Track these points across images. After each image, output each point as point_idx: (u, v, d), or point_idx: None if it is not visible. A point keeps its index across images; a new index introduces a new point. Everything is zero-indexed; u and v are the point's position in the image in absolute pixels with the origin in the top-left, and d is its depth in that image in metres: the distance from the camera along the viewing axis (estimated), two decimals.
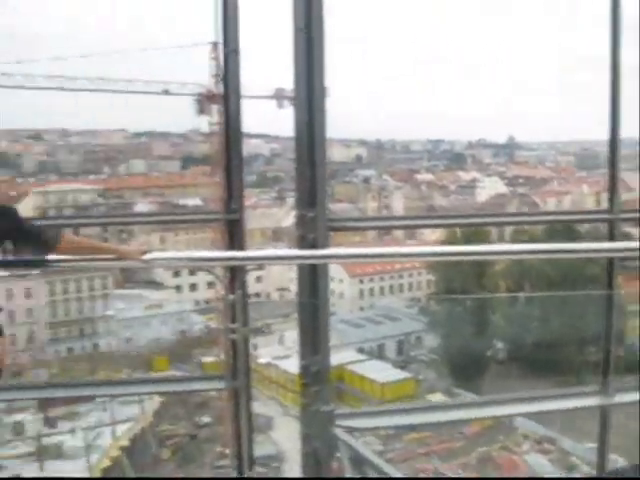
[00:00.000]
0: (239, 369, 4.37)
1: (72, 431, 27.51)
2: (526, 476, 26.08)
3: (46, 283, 34.91)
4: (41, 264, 3.08)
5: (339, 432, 4.89)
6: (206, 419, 29.12)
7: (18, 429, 27.64)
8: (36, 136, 50.55)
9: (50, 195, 42.34)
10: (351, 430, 4.98)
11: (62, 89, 37.35)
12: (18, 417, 27.41)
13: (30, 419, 27.84)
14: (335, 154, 49.43)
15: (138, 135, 52.02)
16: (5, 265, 3.05)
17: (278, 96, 36.68)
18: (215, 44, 5.17)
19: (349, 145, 57.39)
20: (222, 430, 24.60)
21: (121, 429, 27.98)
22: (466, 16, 60.00)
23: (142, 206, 42.55)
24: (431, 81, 62.29)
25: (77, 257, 3.13)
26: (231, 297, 3.73)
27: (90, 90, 37.40)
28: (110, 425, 27.76)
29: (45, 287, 35.85)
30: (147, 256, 3.20)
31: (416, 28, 60.56)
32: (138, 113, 48.35)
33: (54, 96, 39.37)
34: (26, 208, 37.87)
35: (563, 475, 26.04)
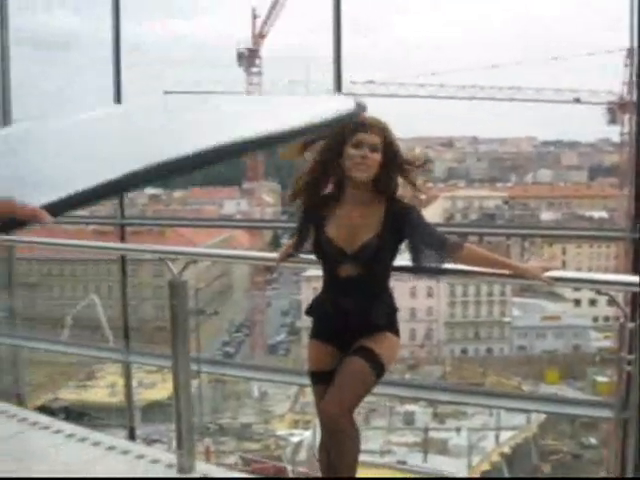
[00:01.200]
0: (631, 401, 3.99)
1: (458, 430, 28.11)
2: None
3: (447, 284, 35.91)
4: (440, 272, 3.09)
5: None
6: (592, 440, 27.78)
7: (408, 419, 29.00)
8: (448, 143, 52.40)
9: (457, 200, 43.60)
10: None
11: (473, 98, 38.37)
12: (410, 408, 28.77)
13: (420, 411, 29.06)
14: None
15: (546, 144, 51.26)
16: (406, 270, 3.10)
17: None
18: (630, 50, 4.77)
19: None
20: (608, 454, 23.28)
21: (505, 436, 27.91)
22: None
23: (547, 215, 41.95)
24: None
25: (474, 269, 3.14)
26: (630, 325, 3.39)
27: (500, 99, 37.86)
28: (494, 430, 27.84)
29: (446, 288, 36.98)
30: (548, 274, 3.08)
31: None
32: (547, 122, 47.62)
33: (466, 105, 40.50)
34: (435, 212, 39.57)
35: None
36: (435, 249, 2.96)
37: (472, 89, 38.45)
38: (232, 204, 41.61)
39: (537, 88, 37.90)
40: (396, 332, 3.06)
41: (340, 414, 2.84)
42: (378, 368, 2.95)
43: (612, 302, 3.90)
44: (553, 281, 3.16)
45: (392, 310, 3.06)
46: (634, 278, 4.22)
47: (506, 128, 47.97)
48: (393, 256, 3.03)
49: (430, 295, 36.83)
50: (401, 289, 34.72)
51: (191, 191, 44.87)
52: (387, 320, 3.03)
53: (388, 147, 2.95)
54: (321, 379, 3.04)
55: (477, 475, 25.66)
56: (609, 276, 3.14)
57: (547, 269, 3.11)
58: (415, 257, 3.00)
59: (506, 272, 3.15)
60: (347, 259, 2.96)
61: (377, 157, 2.92)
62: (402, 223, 2.96)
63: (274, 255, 3.73)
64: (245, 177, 43.52)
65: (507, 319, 38.18)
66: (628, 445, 4.14)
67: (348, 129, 2.93)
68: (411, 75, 38.52)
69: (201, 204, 41.21)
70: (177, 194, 45.13)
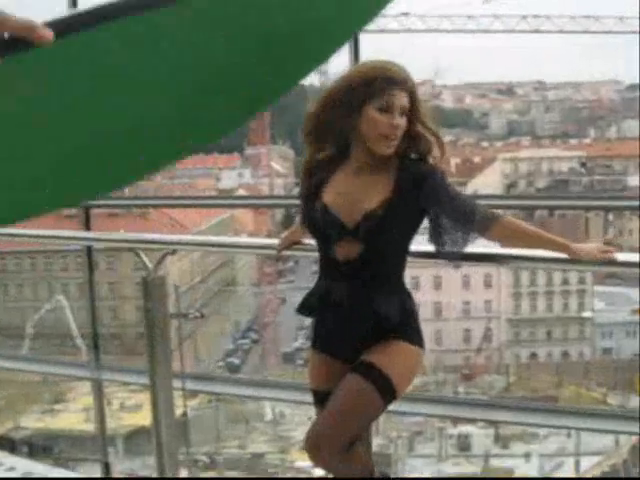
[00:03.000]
0: None
1: (527, 456, 28.15)
2: None
3: (509, 271, 35.44)
4: (464, 256, 2.99)
5: None
6: None
7: (463, 444, 29.03)
8: (507, 90, 52.08)
9: (521, 163, 43.33)
10: None
11: (537, 31, 37.90)
12: (465, 429, 28.81)
13: (478, 434, 29.07)
14: None
15: (634, 88, 50.82)
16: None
17: None
18: None
19: None
20: None
21: (587, 463, 27.91)
22: None
23: (635, 180, 41.70)
24: None
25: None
26: None
27: (573, 32, 37.47)
28: (573, 456, 27.81)
29: (509, 275, 36.63)
30: (608, 255, 2.97)
31: None
32: (635, 59, 47.30)
33: (529, 40, 40.09)
34: (491, 178, 39.41)
35: None
36: (460, 223, 2.85)
37: (536, 20, 38.04)
38: (232, 175, 41.40)
39: (620, 16, 37.45)
40: (413, 340, 2.93)
41: (324, 454, 2.79)
42: (385, 390, 2.82)
43: None
44: (610, 262, 3.01)
45: (408, 310, 2.93)
46: None
47: (582, 69, 47.68)
48: (407, 234, 2.92)
49: (488, 285, 36.63)
50: (449, 277, 34.53)
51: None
52: (400, 321, 2.87)
53: (414, 108, 2.84)
54: (321, 400, 2.96)
55: None
56: None
57: (607, 251, 2.96)
58: (434, 234, 2.90)
59: (553, 253, 3.02)
60: (345, 234, 2.84)
61: (404, 123, 2.82)
62: (418, 190, 2.83)
63: (274, 242, 3.70)
64: (248, 140, 43.24)
65: (587, 314, 38.07)
66: None
67: (375, 84, 2.79)
68: (456, 4, 38.03)
69: (193, 177, 40.94)
70: None
